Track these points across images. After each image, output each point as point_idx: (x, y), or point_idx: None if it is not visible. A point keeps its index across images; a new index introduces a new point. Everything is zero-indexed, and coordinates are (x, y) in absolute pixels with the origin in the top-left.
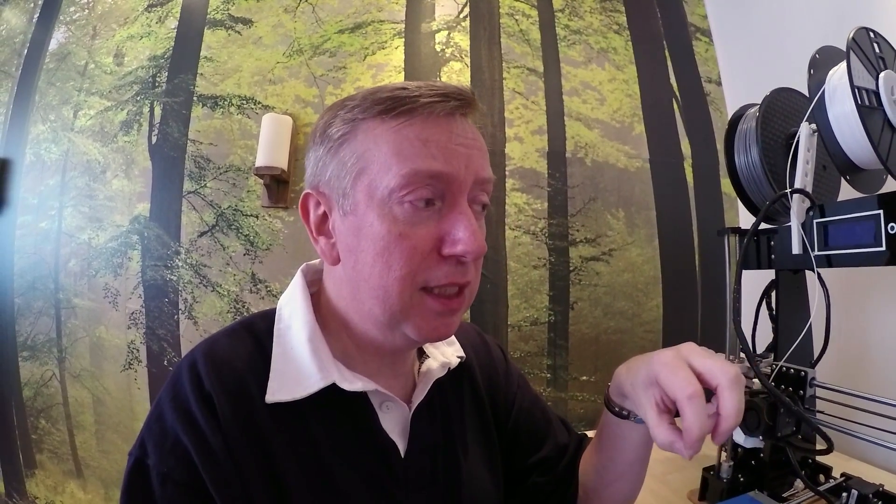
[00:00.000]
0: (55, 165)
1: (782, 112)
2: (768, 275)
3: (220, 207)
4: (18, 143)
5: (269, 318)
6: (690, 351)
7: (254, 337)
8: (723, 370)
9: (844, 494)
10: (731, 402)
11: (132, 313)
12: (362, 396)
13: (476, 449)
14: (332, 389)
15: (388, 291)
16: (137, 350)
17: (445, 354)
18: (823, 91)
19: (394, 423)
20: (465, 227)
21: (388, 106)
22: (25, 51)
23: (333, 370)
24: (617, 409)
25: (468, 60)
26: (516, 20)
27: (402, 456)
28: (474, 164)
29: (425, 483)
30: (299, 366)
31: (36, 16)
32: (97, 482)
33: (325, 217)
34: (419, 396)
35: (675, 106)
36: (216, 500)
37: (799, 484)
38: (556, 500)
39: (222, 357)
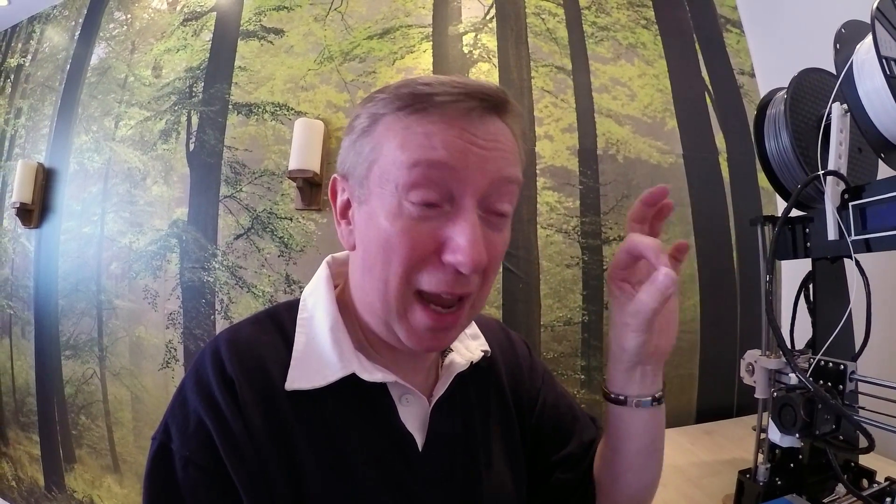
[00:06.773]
0: (98, 173)
1: (812, 93)
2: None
3: (255, 211)
4: (63, 153)
5: (293, 307)
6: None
7: (277, 325)
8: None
9: (888, 499)
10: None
11: (170, 314)
12: (382, 388)
13: (497, 445)
14: (353, 380)
15: (387, 286)
16: (175, 349)
17: (469, 348)
18: (851, 67)
19: (413, 417)
20: (467, 236)
21: (406, 102)
22: (68, 66)
23: (354, 360)
24: (613, 395)
25: (496, 61)
26: (543, 19)
27: (420, 450)
28: (490, 164)
29: (443, 478)
30: (320, 355)
31: (77, 33)
32: (133, 477)
33: (348, 203)
34: (440, 390)
35: (708, 99)
36: (236, 484)
37: (840, 489)
38: (579, 496)
39: (245, 344)
